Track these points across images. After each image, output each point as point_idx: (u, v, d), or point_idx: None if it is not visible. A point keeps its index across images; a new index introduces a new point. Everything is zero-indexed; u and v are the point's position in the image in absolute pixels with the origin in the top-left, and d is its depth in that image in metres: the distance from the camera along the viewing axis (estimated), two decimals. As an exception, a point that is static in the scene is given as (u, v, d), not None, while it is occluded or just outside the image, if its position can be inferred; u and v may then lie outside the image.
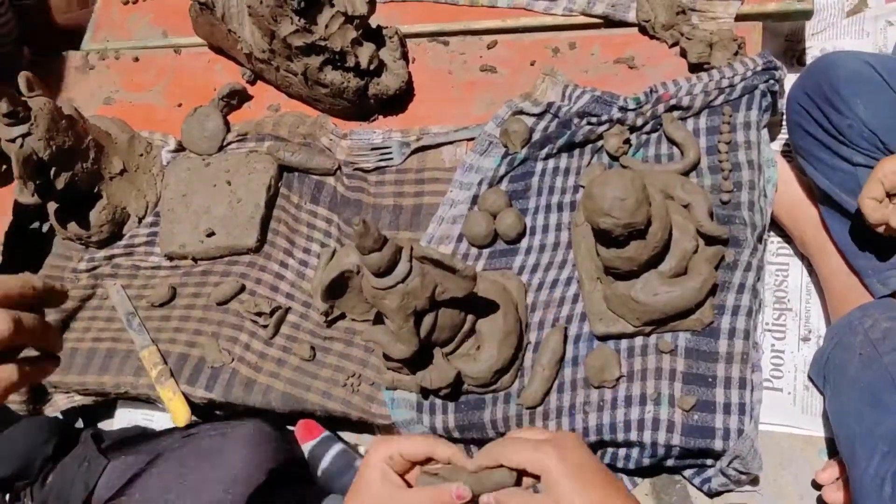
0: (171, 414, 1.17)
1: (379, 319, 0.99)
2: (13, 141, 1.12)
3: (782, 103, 1.16)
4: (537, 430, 0.79)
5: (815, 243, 1.13)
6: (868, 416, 0.94)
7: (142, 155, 1.38)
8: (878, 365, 0.97)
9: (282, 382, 1.14)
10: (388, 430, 1.12)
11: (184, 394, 1.18)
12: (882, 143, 0.99)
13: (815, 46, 1.37)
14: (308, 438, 1.19)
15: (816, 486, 1.04)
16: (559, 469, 0.70)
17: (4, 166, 1.18)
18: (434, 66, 1.34)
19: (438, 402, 1.07)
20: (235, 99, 1.39)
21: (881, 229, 0.96)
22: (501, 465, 0.73)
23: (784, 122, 1.30)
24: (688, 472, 1.05)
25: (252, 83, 1.42)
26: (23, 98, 1.15)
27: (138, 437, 1.20)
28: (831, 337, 1.07)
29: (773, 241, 1.22)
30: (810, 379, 1.11)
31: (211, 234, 1.26)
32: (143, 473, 1.08)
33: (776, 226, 1.20)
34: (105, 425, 1.39)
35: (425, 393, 1.07)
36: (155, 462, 1.10)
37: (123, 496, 1.06)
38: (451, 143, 1.25)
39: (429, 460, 0.76)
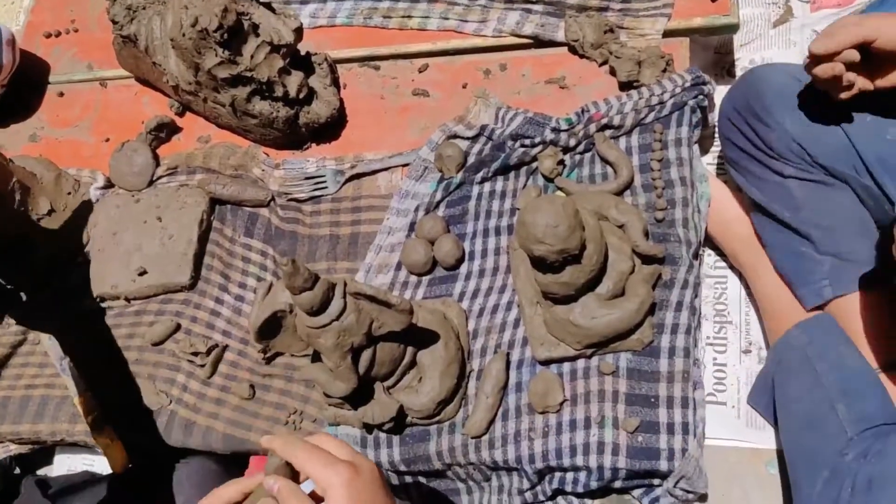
0: (108, 461, 1.14)
1: (317, 356, 0.97)
2: None
3: (713, 117, 1.17)
4: (344, 445, 0.77)
5: (748, 259, 1.13)
6: (808, 441, 0.95)
7: (70, 193, 1.34)
8: (818, 387, 0.97)
9: (222, 423, 1.11)
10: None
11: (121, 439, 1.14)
12: (810, 156, 1.00)
13: (744, 58, 1.38)
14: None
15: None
16: (341, 495, 0.70)
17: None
18: (366, 92, 1.32)
19: (383, 436, 1.06)
20: (164, 132, 1.36)
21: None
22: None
23: (716, 135, 1.31)
24: (637, 492, 1.04)
25: (181, 115, 1.39)
26: None
27: (84, 483, 1.17)
28: (772, 358, 1.07)
29: (711, 255, 1.22)
30: (751, 405, 1.11)
31: (143, 273, 1.22)
32: None
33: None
34: (44, 472, 1.35)
35: (369, 428, 1.05)
36: None
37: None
38: (385, 169, 1.24)
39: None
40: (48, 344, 1.23)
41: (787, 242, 1.07)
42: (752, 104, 1.04)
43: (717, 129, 1.15)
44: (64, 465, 1.34)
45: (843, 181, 1.01)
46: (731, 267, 1.20)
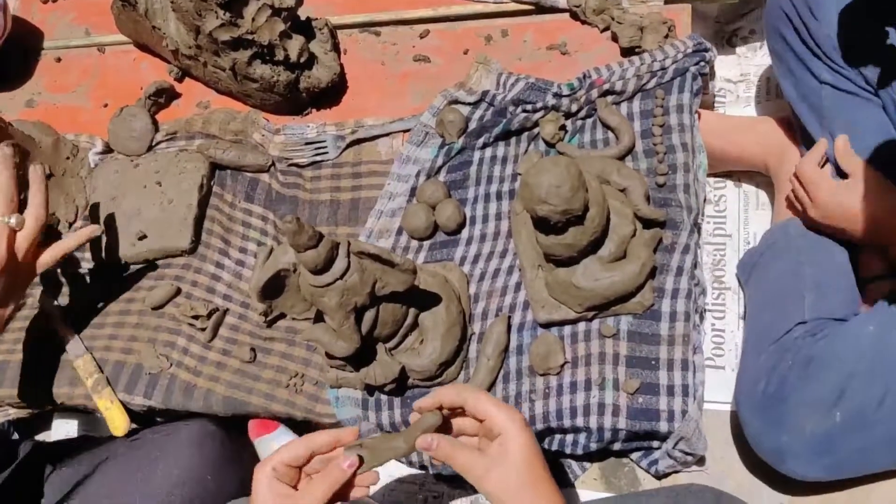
0: (109, 423, 1.14)
1: (319, 318, 0.98)
2: None
3: (713, 85, 1.17)
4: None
5: (778, 149, 1.15)
6: (767, 318, 1.01)
7: (68, 158, 1.34)
8: (795, 274, 1.01)
9: (223, 386, 1.11)
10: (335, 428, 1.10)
11: (122, 402, 1.14)
12: (850, 59, 0.99)
13: (745, 27, 1.39)
14: (263, 433, 1.17)
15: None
16: (523, 435, 0.74)
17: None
18: (366, 58, 1.32)
19: (384, 397, 1.06)
20: (163, 97, 1.35)
21: None
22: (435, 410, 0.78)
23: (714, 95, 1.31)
24: (635, 455, 1.05)
25: (180, 80, 1.39)
26: None
27: (83, 446, 1.17)
28: (767, 238, 1.10)
29: (710, 222, 1.23)
30: (737, 277, 1.16)
31: (143, 237, 1.22)
32: (87, 480, 1.06)
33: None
34: (43, 437, 1.35)
35: (370, 389, 1.06)
36: (99, 468, 1.08)
37: (68, 501, 1.04)
38: (386, 135, 1.23)
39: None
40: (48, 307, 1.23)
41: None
42: None
43: (765, 19, 1.12)
44: (62, 431, 1.34)
45: (877, 94, 0.99)
46: (730, 234, 1.20)
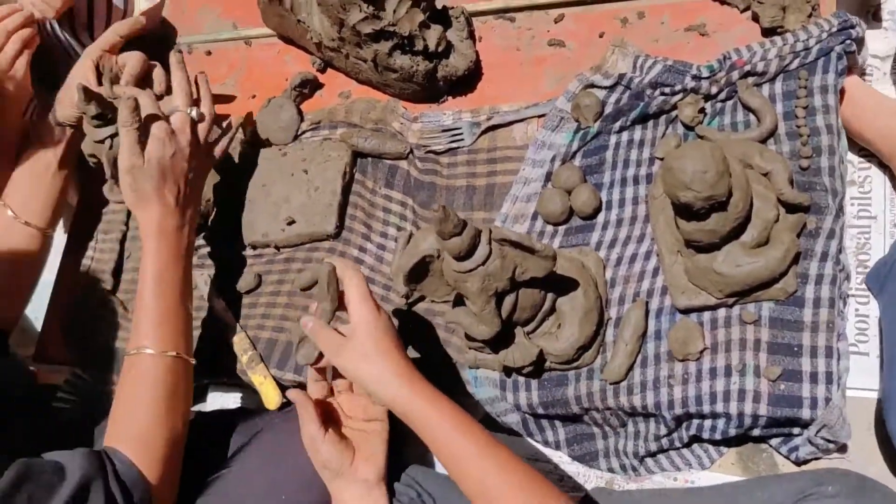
0: (263, 398, 1.22)
1: (460, 301, 1.01)
2: (102, 142, 1.16)
3: (862, 58, 1.13)
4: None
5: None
6: None
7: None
8: None
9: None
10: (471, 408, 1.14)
11: (274, 377, 1.22)
12: None
13: (893, 0, 1.32)
14: None
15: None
16: (368, 316, 0.91)
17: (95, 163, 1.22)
18: (501, 44, 1.34)
19: (522, 379, 1.09)
20: (307, 88, 1.41)
21: None
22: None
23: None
24: (774, 441, 1.04)
25: (322, 71, 1.44)
26: (110, 99, 1.19)
27: (238, 418, 1.23)
28: None
29: (854, 204, 1.19)
30: (867, 286, 1.12)
31: (291, 223, 1.29)
32: (243, 449, 1.13)
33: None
34: (198, 408, 1.44)
35: (508, 371, 1.09)
36: (254, 438, 1.15)
37: (225, 468, 1.11)
38: (521, 120, 1.25)
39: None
40: (204, 288, 1.32)
41: None
42: None
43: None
44: (217, 403, 1.43)
45: None
46: (875, 216, 1.17)
